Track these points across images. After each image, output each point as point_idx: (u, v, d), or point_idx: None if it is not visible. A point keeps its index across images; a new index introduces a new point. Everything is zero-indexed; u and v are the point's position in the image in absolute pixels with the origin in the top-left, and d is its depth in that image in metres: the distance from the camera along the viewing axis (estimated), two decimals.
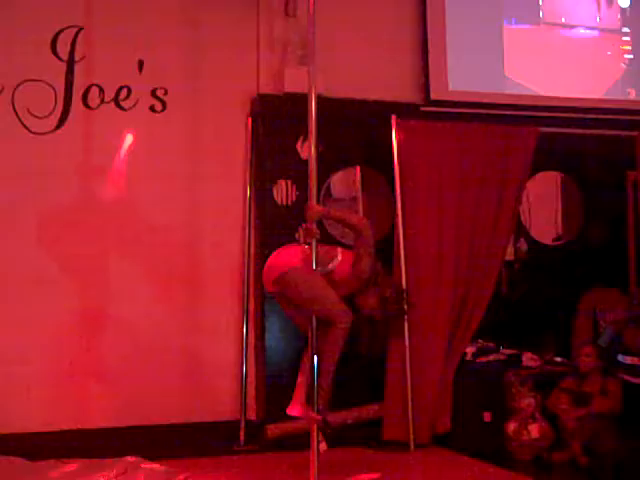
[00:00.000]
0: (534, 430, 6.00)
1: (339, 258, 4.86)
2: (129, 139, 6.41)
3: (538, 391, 6.15)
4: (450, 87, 7.06)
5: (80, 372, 6.18)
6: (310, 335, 4.67)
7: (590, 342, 6.45)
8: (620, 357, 6.30)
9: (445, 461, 5.97)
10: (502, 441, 6.07)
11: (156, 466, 5.34)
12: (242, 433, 6.29)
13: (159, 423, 6.15)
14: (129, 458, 5.36)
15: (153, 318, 6.32)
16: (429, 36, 7.00)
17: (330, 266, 4.83)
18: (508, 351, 6.60)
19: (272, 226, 6.54)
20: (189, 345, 6.40)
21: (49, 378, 6.07)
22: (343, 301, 4.75)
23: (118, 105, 6.40)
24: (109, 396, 6.15)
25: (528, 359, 6.54)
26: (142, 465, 5.31)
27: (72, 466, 5.35)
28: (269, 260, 4.97)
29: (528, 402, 6.09)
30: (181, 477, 5.23)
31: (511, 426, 6.08)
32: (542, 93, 7.27)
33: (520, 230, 7.17)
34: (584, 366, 6.07)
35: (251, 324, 6.51)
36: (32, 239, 6.15)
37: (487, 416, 6.23)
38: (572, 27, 7.49)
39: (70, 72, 6.30)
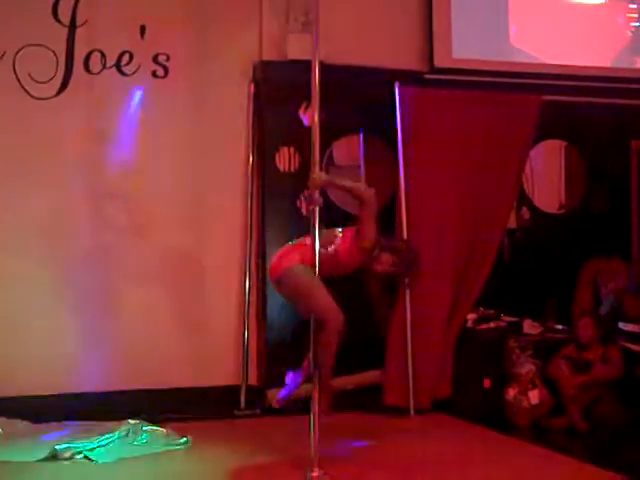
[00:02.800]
0: (534, 396, 6.04)
1: (340, 237, 4.87)
2: (131, 104, 6.39)
3: (538, 358, 6.19)
4: (454, 55, 7.00)
5: (83, 336, 6.21)
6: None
7: (588, 313, 6.42)
8: (621, 325, 6.32)
9: (445, 426, 6.01)
10: (502, 407, 6.11)
11: (158, 429, 5.41)
12: (243, 398, 6.35)
13: (161, 387, 6.19)
14: (131, 421, 5.42)
15: (156, 286, 6.33)
16: (434, 3, 6.93)
17: (333, 246, 4.83)
18: (509, 318, 6.62)
19: (274, 193, 6.54)
20: (191, 311, 6.43)
21: (52, 341, 6.10)
22: (334, 302, 4.60)
23: (120, 70, 6.37)
24: (112, 360, 6.19)
25: (529, 326, 6.56)
26: (144, 428, 5.38)
27: (75, 428, 5.42)
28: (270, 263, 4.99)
29: (528, 369, 6.13)
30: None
31: (511, 392, 6.11)
32: (547, 61, 7.20)
33: (523, 198, 7.15)
34: (583, 336, 6.09)
35: (253, 290, 6.53)
36: (37, 205, 6.15)
37: (487, 382, 6.27)
38: None
39: (71, 37, 6.24)
